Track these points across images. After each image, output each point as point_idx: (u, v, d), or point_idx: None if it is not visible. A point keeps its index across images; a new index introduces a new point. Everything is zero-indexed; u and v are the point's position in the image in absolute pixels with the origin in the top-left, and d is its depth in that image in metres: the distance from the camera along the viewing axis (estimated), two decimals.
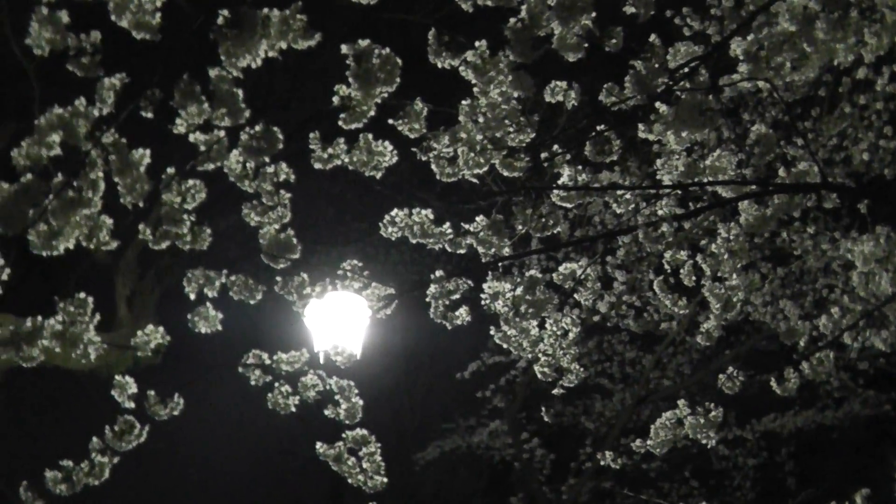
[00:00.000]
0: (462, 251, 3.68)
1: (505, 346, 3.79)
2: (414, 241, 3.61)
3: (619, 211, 3.84)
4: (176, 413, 3.79)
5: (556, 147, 3.54)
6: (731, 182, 3.56)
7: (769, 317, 8.94)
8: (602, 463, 4.47)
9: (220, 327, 3.58)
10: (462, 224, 3.71)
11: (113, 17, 2.89)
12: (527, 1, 3.13)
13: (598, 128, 3.46)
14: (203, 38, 2.93)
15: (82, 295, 3.26)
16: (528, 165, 3.42)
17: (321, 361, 4.12)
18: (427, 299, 3.67)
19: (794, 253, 8.70)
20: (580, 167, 3.63)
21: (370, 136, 3.34)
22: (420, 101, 3.34)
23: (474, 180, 3.49)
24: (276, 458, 12.41)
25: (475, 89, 3.29)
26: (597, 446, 11.28)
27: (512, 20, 3.16)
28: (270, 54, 2.99)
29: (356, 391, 4.02)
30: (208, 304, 3.54)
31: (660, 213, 3.74)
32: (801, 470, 11.86)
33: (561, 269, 3.78)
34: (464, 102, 3.38)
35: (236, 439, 12.07)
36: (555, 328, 3.82)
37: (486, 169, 3.40)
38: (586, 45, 3.23)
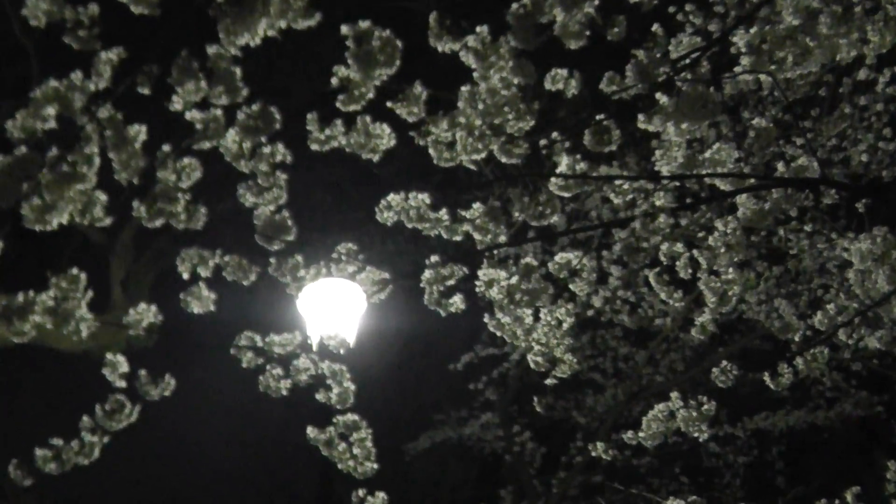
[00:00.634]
0: (458, 238, 3.66)
1: (499, 333, 3.78)
2: (410, 226, 3.59)
3: (616, 201, 3.82)
4: (167, 394, 3.78)
5: (554, 134, 3.52)
6: (729, 175, 3.54)
7: (763, 316, 8.94)
8: (593, 454, 4.47)
9: (213, 308, 3.56)
10: (459, 211, 3.69)
11: None
12: None
13: (598, 117, 3.44)
14: (203, 15, 2.91)
15: (75, 271, 3.25)
16: (526, 153, 3.40)
17: (314, 349, 4.10)
18: (422, 284, 3.65)
19: (791, 252, 8.70)
20: (578, 156, 3.61)
21: (368, 118, 3.32)
22: (419, 84, 3.32)
23: (472, 167, 3.47)
24: (267, 444, 12.40)
25: (475, 74, 3.27)
26: (588, 441, 11.28)
27: (514, 5, 3.14)
28: (270, 33, 2.97)
29: (348, 375, 4.01)
30: (201, 283, 3.52)
31: (657, 204, 3.72)
32: (791, 469, 11.88)
33: (557, 258, 3.77)
34: (464, 88, 3.36)
35: (227, 423, 12.07)
36: (549, 318, 3.81)
37: (483, 155, 3.38)
38: (588, 32, 3.22)
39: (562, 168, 3.55)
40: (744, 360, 9.61)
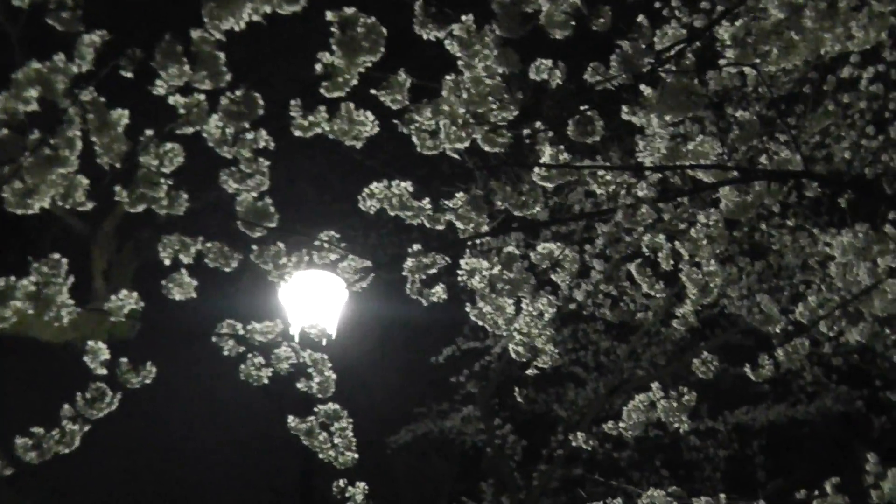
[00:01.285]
0: (441, 227, 3.66)
1: (480, 322, 3.77)
2: (392, 214, 3.58)
3: (599, 192, 3.82)
4: (148, 381, 3.76)
5: (538, 124, 3.52)
6: (712, 166, 3.55)
7: (745, 310, 8.97)
8: (574, 444, 4.47)
9: (194, 294, 3.55)
10: (441, 201, 3.69)
11: None
12: None
13: (582, 108, 3.44)
14: None
15: (56, 256, 3.23)
16: (509, 142, 3.40)
17: (296, 340, 4.09)
18: (403, 272, 3.65)
19: (773, 248, 8.74)
20: (562, 147, 3.61)
21: (352, 105, 3.31)
22: (403, 72, 3.31)
23: (455, 156, 3.47)
24: (248, 434, 12.38)
25: (460, 63, 3.26)
26: (569, 434, 11.28)
27: None
28: (255, 18, 2.95)
29: (329, 365, 4.00)
30: (183, 270, 3.51)
31: (640, 195, 3.72)
32: (771, 463, 11.94)
33: (539, 248, 3.77)
34: (448, 77, 3.35)
35: (208, 413, 12.04)
36: (531, 308, 3.81)
37: (467, 144, 3.38)
38: (573, 23, 3.22)
39: (545, 158, 3.55)
40: (725, 355, 9.64)
